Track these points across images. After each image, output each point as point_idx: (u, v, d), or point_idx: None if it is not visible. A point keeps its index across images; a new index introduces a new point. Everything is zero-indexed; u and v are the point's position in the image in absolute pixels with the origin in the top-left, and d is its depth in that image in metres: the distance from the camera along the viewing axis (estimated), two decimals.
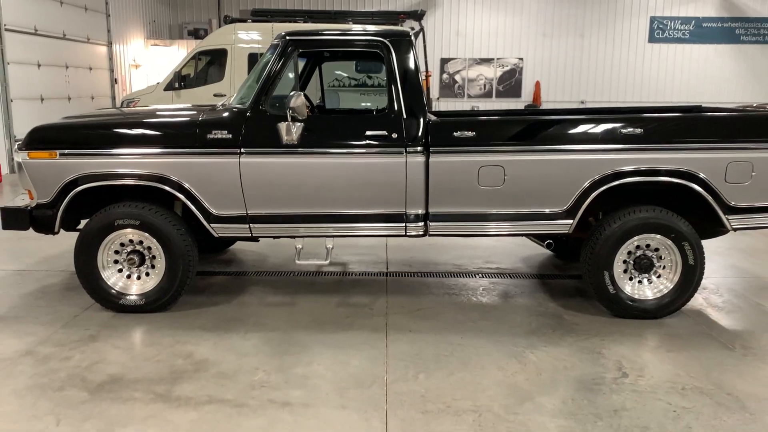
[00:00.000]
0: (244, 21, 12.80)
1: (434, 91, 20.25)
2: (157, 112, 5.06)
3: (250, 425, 3.17)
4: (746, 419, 3.26)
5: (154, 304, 4.64)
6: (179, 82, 12.49)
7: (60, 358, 3.91)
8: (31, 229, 4.64)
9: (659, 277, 4.66)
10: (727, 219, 4.53)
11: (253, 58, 12.41)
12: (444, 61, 20.44)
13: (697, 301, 4.99)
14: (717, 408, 3.36)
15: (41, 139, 4.55)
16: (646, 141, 4.44)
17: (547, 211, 4.57)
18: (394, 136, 4.46)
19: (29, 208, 4.60)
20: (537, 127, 4.55)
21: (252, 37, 12.51)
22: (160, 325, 4.44)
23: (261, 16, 12.95)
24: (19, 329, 4.37)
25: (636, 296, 4.63)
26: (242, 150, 4.46)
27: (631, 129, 4.44)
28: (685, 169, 4.43)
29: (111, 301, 4.65)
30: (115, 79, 16.14)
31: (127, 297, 4.64)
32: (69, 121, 4.85)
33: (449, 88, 20.63)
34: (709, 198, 4.47)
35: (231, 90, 12.48)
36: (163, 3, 19.19)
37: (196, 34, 19.07)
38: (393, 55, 4.54)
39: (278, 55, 4.57)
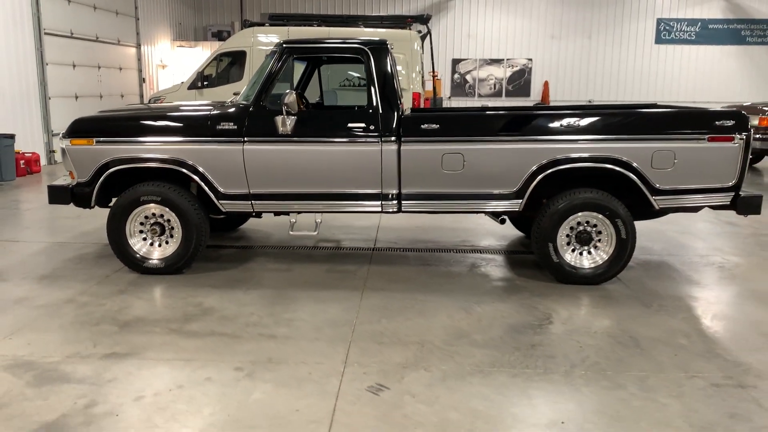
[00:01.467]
0: (263, 25, 13.77)
1: (445, 91, 21.09)
2: (178, 107, 6.00)
3: (242, 348, 4.09)
4: (635, 353, 4.08)
5: (172, 267, 5.58)
6: (202, 81, 13.48)
7: (95, 305, 4.87)
8: (72, 204, 5.63)
9: (597, 249, 5.49)
10: (654, 200, 5.34)
11: None
12: (455, 62, 21.25)
13: (637, 271, 5.80)
14: (616, 345, 4.20)
15: (81, 129, 5.53)
16: (584, 133, 5.27)
17: (500, 191, 5.41)
18: (372, 128, 5.35)
19: (70, 186, 5.58)
20: (490, 121, 5.41)
21: (270, 40, 13.43)
22: (177, 284, 5.38)
23: (278, 20, 13.91)
24: (63, 284, 5.34)
25: (576, 264, 5.46)
26: (245, 139, 5.39)
27: (571, 122, 5.28)
28: (617, 156, 5.26)
29: (136, 264, 5.60)
30: (143, 79, 17.25)
31: (150, 261, 5.59)
32: (103, 115, 5.81)
33: (460, 88, 21.43)
34: (638, 181, 5.28)
35: None
36: (188, 6, 20.31)
37: (220, 36, 20.15)
38: (372, 61, 5.42)
39: (276, 60, 5.48)
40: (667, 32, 20.88)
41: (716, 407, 3.41)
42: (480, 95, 21.42)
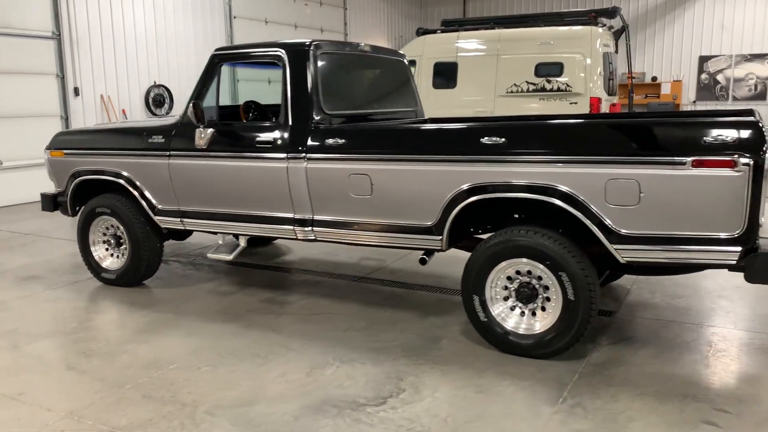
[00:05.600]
0: (435, 32, 13.26)
1: (689, 94, 18.06)
2: (128, 123, 5.97)
3: None
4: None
5: (123, 280, 5.57)
6: None
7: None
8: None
9: (544, 310, 4.01)
10: (616, 249, 3.70)
11: (438, 67, 12.84)
12: (703, 59, 18.04)
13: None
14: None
15: (56, 142, 5.83)
16: (508, 152, 3.89)
17: (416, 224, 4.28)
18: (280, 142, 4.65)
19: (54, 194, 5.92)
20: (400, 136, 4.31)
21: (439, 47, 12.91)
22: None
23: (450, 25, 13.27)
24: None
25: (511, 328, 4.06)
26: (171, 152, 5.12)
27: (494, 138, 3.93)
28: (550, 184, 3.77)
29: (96, 273, 5.72)
30: None
31: (106, 272, 5.65)
32: (72, 130, 6.02)
33: (709, 90, 18.13)
34: (587, 220, 3.72)
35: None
36: (409, 17, 20.47)
37: None
38: (287, 66, 4.70)
39: (206, 69, 5.09)
40: None
41: None
42: (735, 98, 17.79)
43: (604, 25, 12.28)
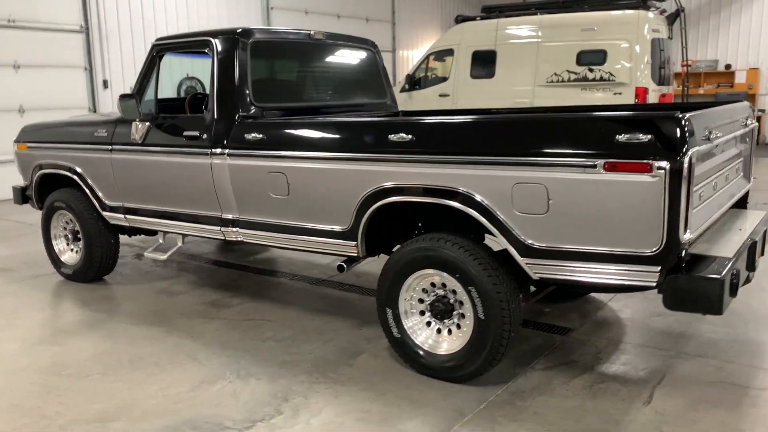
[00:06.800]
0: (473, 19, 12.67)
1: None
2: (85, 117, 5.82)
3: None
4: None
5: (79, 276, 5.49)
6: (411, 84, 13.06)
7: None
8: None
9: (459, 328, 3.56)
10: (527, 264, 3.21)
11: (476, 56, 12.27)
12: None
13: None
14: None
15: (22, 135, 5.80)
16: (414, 150, 3.45)
17: (332, 228, 3.91)
18: (204, 137, 4.38)
19: (23, 187, 5.92)
20: (314, 131, 3.93)
21: (477, 35, 12.34)
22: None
23: (491, 11, 12.62)
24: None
25: (426, 346, 3.63)
26: (112, 146, 4.96)
27: (401, 135, 3.50)
28: (452, 187, 3.31)
29: (57, 267, 5.66)
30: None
31: (64, 266, 5.59)
32: (37, 123, 5.92)
33: None
34: (493, 229, 3.24)
35: (454, 90, 12.57)
36: (463, 2, 19.73)
37: None
38: (215, 54, 4.41)
39: (147, 61, 4.88)
40: None
41: None
42: None
43: (656, 9, 11.32)
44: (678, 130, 2.75)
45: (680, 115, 2.76)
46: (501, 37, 12.08)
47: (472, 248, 3.37)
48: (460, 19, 12.85)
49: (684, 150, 2.73)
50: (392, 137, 3.53)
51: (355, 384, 3.58)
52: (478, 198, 3.23)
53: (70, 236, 5.56)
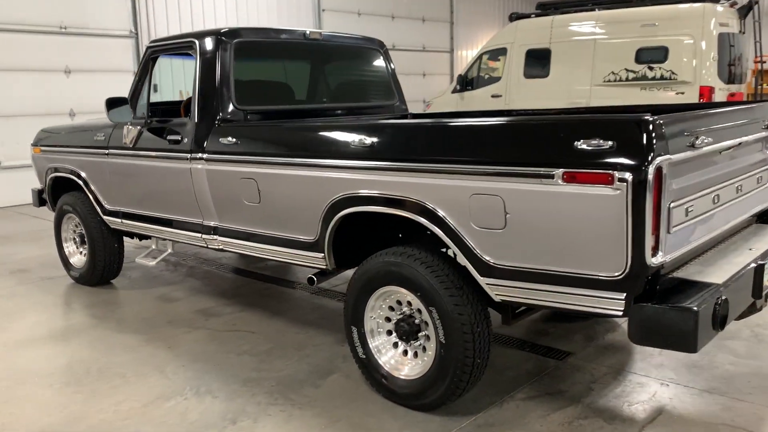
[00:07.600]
0: (528, 17, 12.15)
1: None
2: (92, 121, 5.78)
3: None
4: None
5: (85, 279, 5.50)
6: (463, 85, 12.68)
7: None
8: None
9: (425, 351, 3.25)
10: (488, 284, 2.87)
11: (530, 54, 11.77)
12: None
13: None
14: None
15: (37, 138, 5.87)
16: (374, 156, 3.17)
17: (299, 238, 3.68)
18: (185, 141, 4.25)
19: (39, 190, 6.00)
20: (286, 135, 3.71)
21: (532, 33, 11.84)
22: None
23: (546, 8, 12.07)
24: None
25: (390, 369, 3.34)
26: (108, 150, 4.92)
27: (365, 140, 3.23)
28: (406, 196, 3.01)
29: (67, 269, 5.70)
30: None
31: (72, 269, 5.62)
32: (51, 127, 5.95)
33: None
34: (451, 244, 2.92)
35: (507, 90, 12.10)
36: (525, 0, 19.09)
37: None
38: (198, 55, 4.27)
39: (141, 64, 4.80)
40: None
41: None
42: None
43: (726, 2, 10.48)
44: (644, 135, 2.35)
45: (647, 118, 2.36)
46: (556, 35, 11.52)
47: (435, 264, 3.05)
48: (515, 17, 12.36)
49: (650, 158, 2.33)
50: (352, 142, 3.27)
51: (312, 408, 3.33)
52: (430, 206, 2.93)
53: (77, 239, 5.58)
